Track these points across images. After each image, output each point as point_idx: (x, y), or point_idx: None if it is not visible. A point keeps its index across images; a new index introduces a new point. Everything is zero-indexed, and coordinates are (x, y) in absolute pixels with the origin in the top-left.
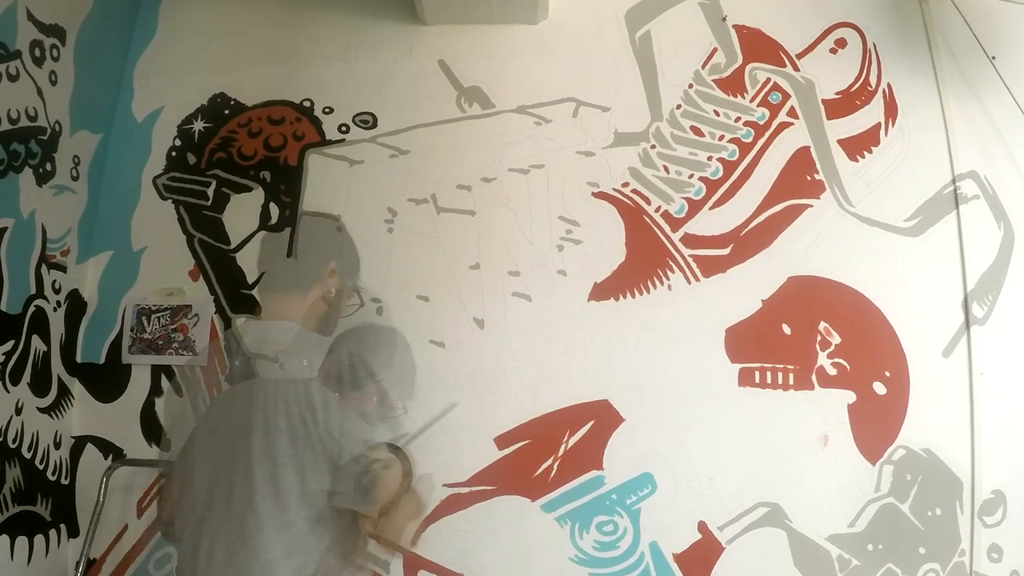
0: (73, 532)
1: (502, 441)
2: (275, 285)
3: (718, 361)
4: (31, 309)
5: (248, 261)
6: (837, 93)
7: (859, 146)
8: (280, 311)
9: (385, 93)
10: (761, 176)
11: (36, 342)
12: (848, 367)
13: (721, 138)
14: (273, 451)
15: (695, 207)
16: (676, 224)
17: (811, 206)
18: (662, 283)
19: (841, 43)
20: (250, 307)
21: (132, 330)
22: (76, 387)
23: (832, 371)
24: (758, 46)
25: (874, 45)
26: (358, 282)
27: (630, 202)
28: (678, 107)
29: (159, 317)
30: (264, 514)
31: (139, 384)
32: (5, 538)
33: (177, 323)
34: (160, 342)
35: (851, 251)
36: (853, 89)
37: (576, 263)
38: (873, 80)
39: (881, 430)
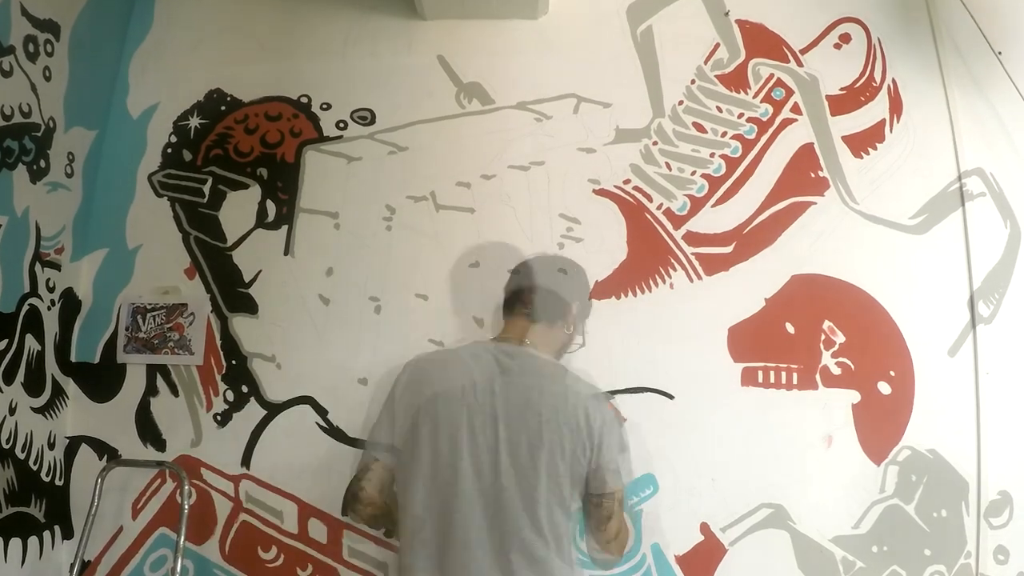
0: (67, 534)
1: None
2: (546, 313)
3: (721, 360)
4: (25, 308)
5: (244, 259)
6: (841, 89)
7: (864, 143)
8: (543, 339)
9: (383, 89)
10: (764, 173)
11: (30, 341)
12: (852, 367)
13: (724, 134)
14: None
15: (697, 204)
16: (678, 222)
17: (815, 203)
18: (664, 281)
19: (845, 38)
20: (246, 306)
21: (127, 329)
22: (70, 387)
23: (836, 371)
24: (761, 41)
25: (879, 40)
26: (584, 326)
27: (631, 199)
28: (680, 103)
29: (154, 316)
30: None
31: (134, 384)
32: None
33: (173, 322)
34: (155, 341)
35: (855, 249)
36: (857, 85)
37: (577, 261)
38: (878, 76)
39: (886, 430)
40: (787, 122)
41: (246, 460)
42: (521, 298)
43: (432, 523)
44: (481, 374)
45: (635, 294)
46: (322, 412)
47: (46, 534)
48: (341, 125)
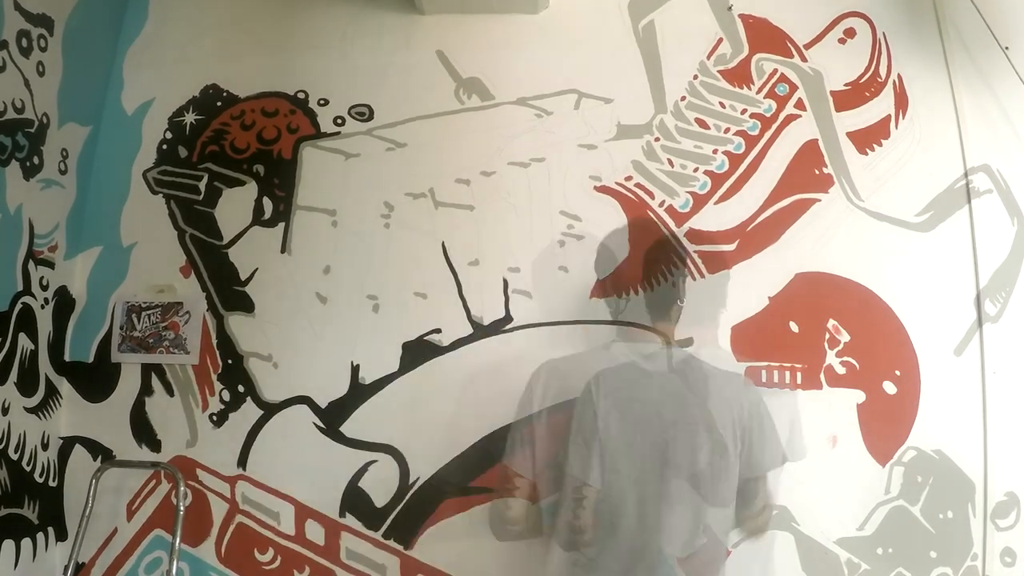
0: (61, 535)
1: (502, 443)
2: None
3: (724, 360)
4: (18, 307)
5: (241, 257)
6: (846, 84)
7: (869, 139)
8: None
9: (382, 85)
10: (768, 170)
11: (23, 340)
12: (857, 366)
13: (727, 131)
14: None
15: (700, 201)
16: (681, 219)
17: (819, 200)
18: (667, 279)
19: (850, 33)
20: (243, 305)
21: (122, 328)
22: (64, 387)
23: (841, 370)
24: (765, 36)
25: (884, 35)
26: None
27: (633, 196)
28: (682, 99)
29: (149, 315)
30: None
31: (129, 384)
32: None
33: (168, 320)
34: (151, 340)
35: (860, 247)
36: (862, 80)
37: (578, 259)
38: (883, 71)
39: (891, 431)
40: (791, 118)
41: (242, 461)
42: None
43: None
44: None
45: (636, 293)
46: (319, 412)
47: (39, 536)
48: (339, 121)
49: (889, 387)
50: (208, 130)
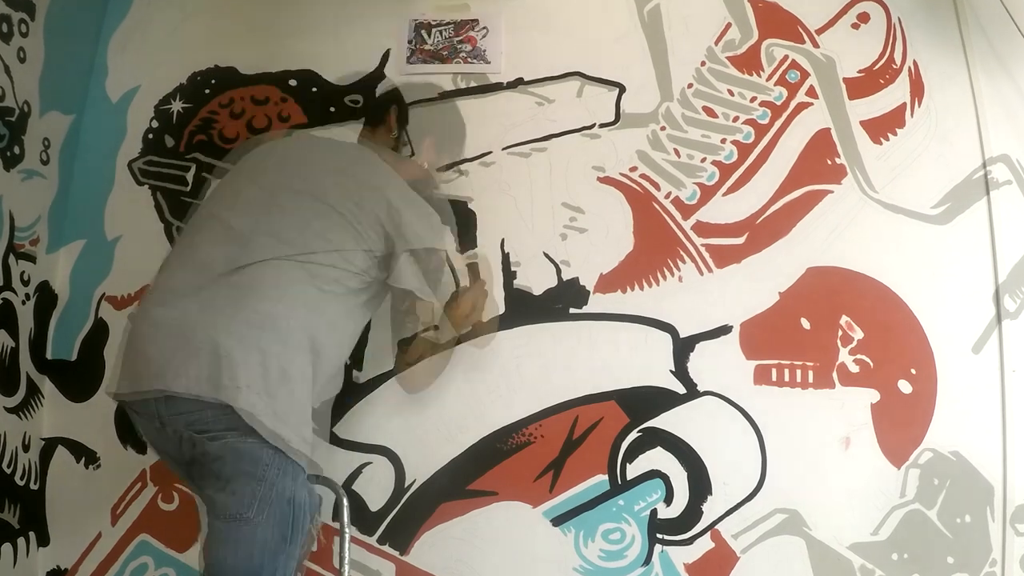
0: (43, 540)
1: (501, 444)
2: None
3: (732, 357)
4: None
5: None
6: (859, 71)
7: (883, 128)
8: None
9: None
10: (778, 160)
11: (3, 337)
12: (871, 364)
13: (736, 119)
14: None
15: (708, 193)
16: (688, 211)
17: (832, 192)
18: (672, 274)
19: (864, 18)
20: None
21: (410, 42)
22: (46, 386)
23: (854, 368)
24: (775, 21)
25: (899, 20)
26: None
27: (638, 188)
28: (690, 86)
29: (441, 31)
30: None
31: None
32: None
33: (463, 35)
34: (444, 53)
35: (875, 240)
36: (877, 67)
37: (581, 253)
38: (898, 57)
39: (907, 431)
40: (802, 106)
41: None
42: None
43: None
44: None
45: (642, 288)
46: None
47: (20, 541)
48: (331, 109)
49: (904, 386)
50: (196, 119)
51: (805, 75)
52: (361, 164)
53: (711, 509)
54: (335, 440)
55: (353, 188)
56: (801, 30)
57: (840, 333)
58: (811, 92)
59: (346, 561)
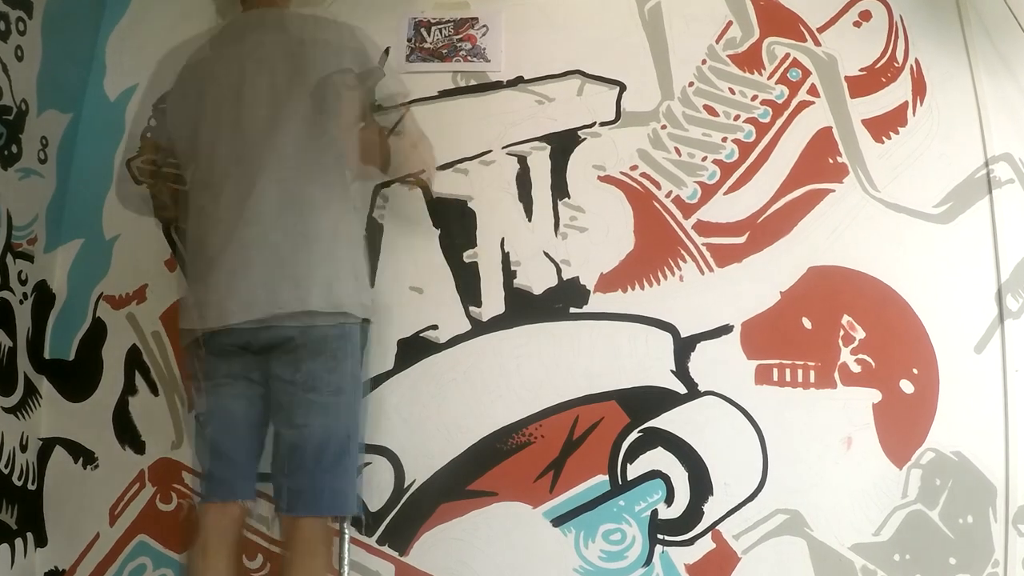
0: (41, 541)
1: (501, 444)
2: None
3: (733, 357)
4: None
5: None
6: (861, 70)
7: (885, 126)
8: None
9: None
10: (780, 159)
11: (1, 337)
12: (873, 364)
13: (737, 118)
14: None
15: (709, 192)
16: (688, 210)
17: (833, 191)
18: (673, 274)
19: (866, 16)
20: None
21: (410, 40)
22: (44, 385)
23: (856, 368)
24: (776, 19)
25: (901, 18)
26: None
27: (639, 187)
28: (690, 85)
29: (441, 29)
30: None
31: (111, 382)
32: None
33: (463, 33)
34: (444, 51)
35: (876, 239)
36: (878, 65)
37: (581, 252)
38: (900, 56)
39: (908, 432)
40: (804, 105)
41: None
42: None
43: None
44: None
45: (643, 287)
46: None
47: (18, 541)
48: None
49: (906, 386)
50: None
51: (806, 73)
52: (287, 58)
53: (712, 509)
54: None
55: (299, 80)
56: (802, 28)
57: (842, 333)
58: (812, 90)
59: (345, 562)
